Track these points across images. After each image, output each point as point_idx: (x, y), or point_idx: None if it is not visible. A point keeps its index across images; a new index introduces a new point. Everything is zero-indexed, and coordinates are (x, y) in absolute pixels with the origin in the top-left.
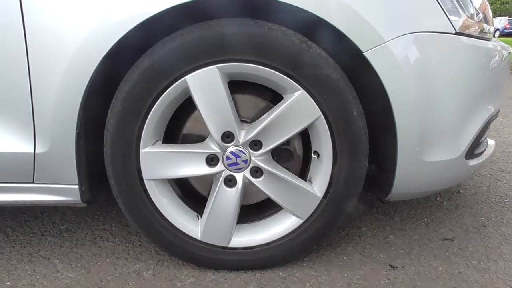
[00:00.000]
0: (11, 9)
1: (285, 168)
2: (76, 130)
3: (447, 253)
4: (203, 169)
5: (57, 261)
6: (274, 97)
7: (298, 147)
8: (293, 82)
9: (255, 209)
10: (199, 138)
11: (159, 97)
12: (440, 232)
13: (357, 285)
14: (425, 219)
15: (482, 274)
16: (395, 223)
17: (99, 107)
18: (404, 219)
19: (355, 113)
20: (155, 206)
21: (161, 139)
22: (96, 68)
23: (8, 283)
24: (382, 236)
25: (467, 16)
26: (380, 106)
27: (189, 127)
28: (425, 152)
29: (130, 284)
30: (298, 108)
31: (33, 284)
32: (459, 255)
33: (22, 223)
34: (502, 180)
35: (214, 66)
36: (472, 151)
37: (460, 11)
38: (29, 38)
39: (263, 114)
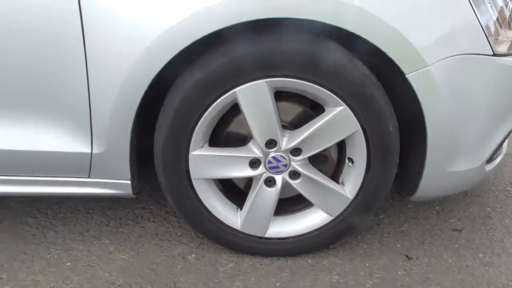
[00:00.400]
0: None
1: (319, 170)
2: (131, 133)
3: (456, 245)
4: (247, 172)
5: (108, 241)
6: (313, 104)
7: (333, 152)
8: (337, 98)
9: (287, 201)
10: (241, 137)
11: (210, 107)
12: (450, 222)
13: (378, 275)
14: (436, 207)
15: (487, 268)
16: (408, 210)
17: (153, 108)
18: (417, 206)
19: (391, 128)
20: (201, 201)
21: (207, 142)
22: (158, 73)
23: (69, 263)
24: (398, 224)
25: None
26: (413, 117)
27: (232, 128)
28: (450, 163)
29: (177, 267)
30: (339, 121)
31: (91, 266)
32: (467, 247)
33: (67, 198)
34: (508, 166)
35: (263, 80)
36: (490, 159)
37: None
38: (88, 41)
39: (302, 120)
